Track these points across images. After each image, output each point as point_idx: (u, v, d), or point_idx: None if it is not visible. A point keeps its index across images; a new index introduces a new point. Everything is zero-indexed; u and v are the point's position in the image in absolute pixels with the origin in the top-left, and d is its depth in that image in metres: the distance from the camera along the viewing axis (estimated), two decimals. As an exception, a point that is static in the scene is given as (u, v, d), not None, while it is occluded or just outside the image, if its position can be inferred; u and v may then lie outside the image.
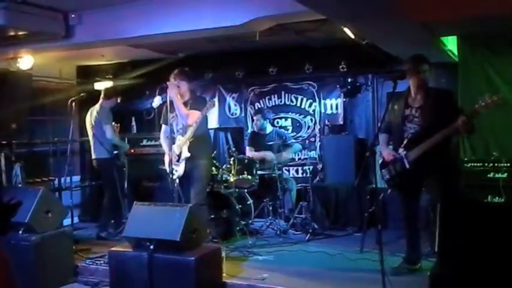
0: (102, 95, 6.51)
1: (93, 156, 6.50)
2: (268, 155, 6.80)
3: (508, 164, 5.33)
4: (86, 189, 8.34)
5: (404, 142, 4.53)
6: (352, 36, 5.40)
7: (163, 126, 5.55)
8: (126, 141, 7.15)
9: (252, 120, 7.60)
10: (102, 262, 5.10)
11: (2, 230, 2.43)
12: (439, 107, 4.40)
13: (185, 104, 5.29)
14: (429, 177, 4.50)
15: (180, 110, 5.20)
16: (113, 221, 6.51)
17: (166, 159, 5.43)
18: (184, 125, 5.26)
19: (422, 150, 4.39)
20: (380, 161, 4.80)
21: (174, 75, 5.33)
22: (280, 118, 7.81)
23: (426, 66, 4.48)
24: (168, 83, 5.22)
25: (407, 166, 4.50)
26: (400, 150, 4.55)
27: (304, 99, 7.66)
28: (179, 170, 5.28)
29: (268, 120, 7.07)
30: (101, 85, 7.69)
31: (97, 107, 6.46)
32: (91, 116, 6.44)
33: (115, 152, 6.49)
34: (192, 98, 5.40)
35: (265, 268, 4.96)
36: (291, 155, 7.14)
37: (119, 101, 6.67)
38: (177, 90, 5.22)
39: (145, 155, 7.42)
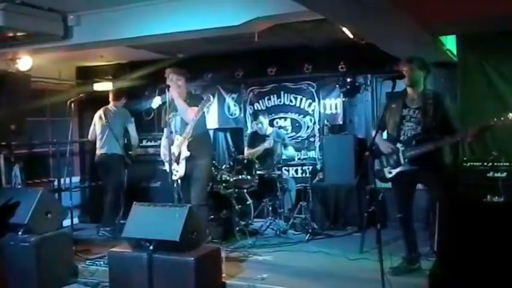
0: (111, 97, 6.85)
1: (103, 151, 6.61)
2: (265, 145, 6.81)
3: (507, 163, 5.33)
4: (86, 190, 8.34)
5: (403, 138, 4.56)
6: (351, 36, 5.40)
7: (165, 130, 5.49)
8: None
9: (252, 122, 7.61)
10: (102, 263, 5.10)
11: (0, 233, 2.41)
12: (436, 109, 4.47)
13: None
14: (425, 176, 4.53)
15: (181, 106, 5.21)
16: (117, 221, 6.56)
17: (163, 153, 5.46)
18: (186, 121, 5.26)
19: (421, 152, 4.42)
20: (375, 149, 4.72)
21: (172, 70, 5.33)
22: (280, 118, 7.81)
23: (419, 63, 4.53)
24: (169, 81, 5.23)
25: (402, 162, 4.53)
26: (399, 145, 4.57)
27: (304, 99, 7.67)
28: (180, 170, 5.28)
29: (268, 118, 7.09)
30: (101, 86, 7.72)
31: (111, 107, 6.79)
32: (105, 114, 6.67)
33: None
34: (188, 96, 5.41)
35: (265, 268, 4.97)
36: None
37: (125, 102, 6.99)
38: (178, 89, 5.24)
39: (145, 156, 7.43)
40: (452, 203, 3.65)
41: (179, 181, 5.33)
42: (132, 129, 6.82)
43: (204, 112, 5.32)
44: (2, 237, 2.47)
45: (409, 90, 4.61)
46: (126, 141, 6.82)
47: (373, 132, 4.70)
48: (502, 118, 4.21)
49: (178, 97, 5.24)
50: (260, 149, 6.87)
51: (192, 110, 5.19)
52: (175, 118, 5.38)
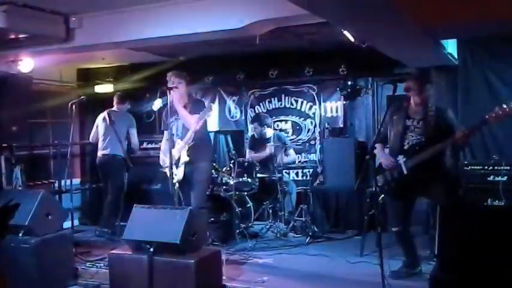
0: (116, 100, 6.96)
1: (105, 152, 6.68)
2: (267, 150, 6.79)
3: (508, 167, 5.34)
4: (86, 192, 8.34)
5: (406, 147, 4.55)
6: (352, 40, 5.40)
7: (165, 133, 5.50)
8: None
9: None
10: (102, 265, 5.11)
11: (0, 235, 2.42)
12: (438, 121, 4.48)
13: (184, 107, 5.31)
14: (428, 187, 4.52)
15: (182, 113, 5.23)
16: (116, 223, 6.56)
17: (162, 159, 5.48)
18: (189, 131, 5.27)
19: (422, 158, 4.43)
20: (376, 166, 4.77)
21: (173, 74, 5.33)
22: (280, 121, 7.81)
23: (430, 87, 4.57)
24: (170, 84, 5.24)
25: (405, 172, 4.52)
26: (400, 157, 4.57)
27: (304, 102, 7.67)
28: (178, 174, 5.28)
29: (266, 125, 7.01)
30: (102, 88, 7.73)
31: (116, 109, 6.92)
32: (110, 116, 6.74)
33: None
34: (190, 101, 5.40)
35: (265, 271, 4.98)
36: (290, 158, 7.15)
37: (129, 106, 7.14)
38: (178, 96, 5.25)
39: (146, 158, 7.43)
40: (452, 207, 3.66)
41: (177, 184, 5.33)
42: (133, 134, 6.90)
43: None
44: (2, 239, 2.47)
45: (413, 103, 4.60)
46: (128, 145, 6.87)
47: (374, 146, 4.69)
48: (493, 113, 4.14)
49: (179, 104, 5.26)
50: (262, 155, 6.84)
51: (192, 117, 5.20)
52: (177, 122, 5.38)
